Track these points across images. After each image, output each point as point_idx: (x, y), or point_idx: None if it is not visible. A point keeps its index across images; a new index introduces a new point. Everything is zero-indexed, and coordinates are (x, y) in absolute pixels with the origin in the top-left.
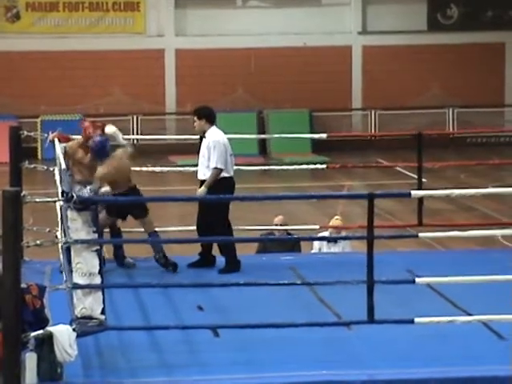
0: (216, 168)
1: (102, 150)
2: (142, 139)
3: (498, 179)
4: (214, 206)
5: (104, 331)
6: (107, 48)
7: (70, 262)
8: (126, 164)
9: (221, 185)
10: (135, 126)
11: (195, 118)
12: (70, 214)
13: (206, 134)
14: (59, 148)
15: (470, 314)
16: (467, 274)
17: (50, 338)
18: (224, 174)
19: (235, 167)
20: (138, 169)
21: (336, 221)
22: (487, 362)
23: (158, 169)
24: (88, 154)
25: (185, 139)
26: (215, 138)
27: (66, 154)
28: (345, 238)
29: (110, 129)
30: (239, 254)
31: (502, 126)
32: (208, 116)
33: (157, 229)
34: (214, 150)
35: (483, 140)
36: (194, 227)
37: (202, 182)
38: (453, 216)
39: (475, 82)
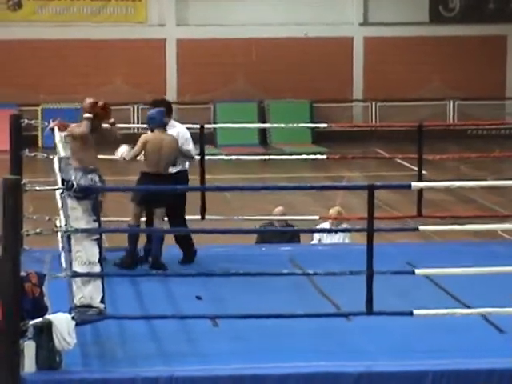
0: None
1: (153, 119)
2: (142, 128)
3: (497, 171)
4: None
5: (103, 320)
6: (108, 37)
7: (69, 250)
8: (163, 148)
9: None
10: (135, 115)
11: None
12: (70, 202)
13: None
14: (58, 136)
15: (469, 307)
16: (466, 266)
17: (48, 326)
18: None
19: (235, 157)
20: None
21: (336, 211)
22: (486, 355)
23: None
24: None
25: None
26: (184, 130)
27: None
28: (344, 231)
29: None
30: (240, 244)
31: (503, 118)
32: (170, 111)
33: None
34: (189, 141)
35: (484, 132)
36: (193, 216)
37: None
38: (452, 207)
39: (476, 75)
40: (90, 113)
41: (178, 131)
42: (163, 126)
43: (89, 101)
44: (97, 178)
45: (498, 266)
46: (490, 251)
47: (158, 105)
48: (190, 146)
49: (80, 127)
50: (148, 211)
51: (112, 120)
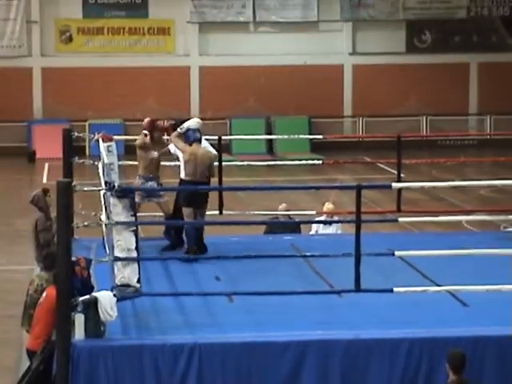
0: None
1: (190, 136)
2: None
3: (462, 174)
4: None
5: (139, 297)
6: (143, 65)
7: (111, 239)
8: (204, 159)
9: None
10: None
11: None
12: (112, 200)
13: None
14: (102, 146)
15: (439, 285)
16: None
17: (94, 302)
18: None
19: (247, 163)
20: (168, 164)
21: (329, 206)
22: (452, 325)
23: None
24: (153, 151)
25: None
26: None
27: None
28: (337, 222)
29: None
30: (251, 235)
31: (467, 130)
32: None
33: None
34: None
35: (451, 142)
36: (213, 212)
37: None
38: (426, 205)
39: (445, 95)
40: (146, 129)
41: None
42: (198, 141)
43: (147, 120)
44: (155, 185)
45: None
46: (457, 239)
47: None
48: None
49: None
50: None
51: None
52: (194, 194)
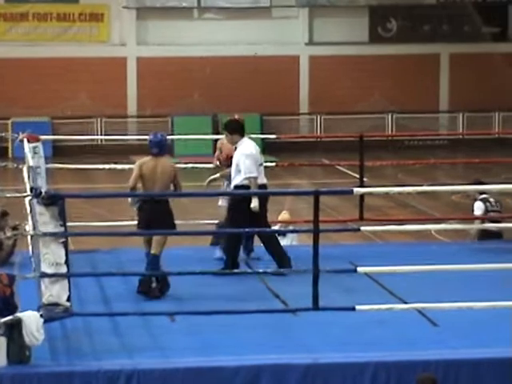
0: (250, 177)
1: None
2: (105, 139)
3: (432, 178)
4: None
5: (69, 317)
6: (74, 55)
7: (38, 252)
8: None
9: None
10: (99, 127)
11: (226, 133)
12: (39, 208)
13: (237, 146)
14: (28, 147)
15: (406, 302)
16: (404, 264)
17: (18, 323)
18: (239, 182)
19: (191, 165)
20: (101, 166)
21: (284, 215)
22: (421, 347)
23: (119, 166)
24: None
25: (145, 140)
26: (245, 150)
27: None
28: (292, 232)
29: None
30: (194, 246)
31: (437, 130)
32: (238, 130)
33: (119, 222)
34: (244, 161)
35: (419, 143)
36: None
37: (235, 187)
38: (391, 212)
39: (412, 90)
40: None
41: (239, 153)
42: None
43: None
44: None
45: (432, 265)
46: (425, 251)
47: (229, 127)
48: (241, 166)
49: None
50: None
51: None
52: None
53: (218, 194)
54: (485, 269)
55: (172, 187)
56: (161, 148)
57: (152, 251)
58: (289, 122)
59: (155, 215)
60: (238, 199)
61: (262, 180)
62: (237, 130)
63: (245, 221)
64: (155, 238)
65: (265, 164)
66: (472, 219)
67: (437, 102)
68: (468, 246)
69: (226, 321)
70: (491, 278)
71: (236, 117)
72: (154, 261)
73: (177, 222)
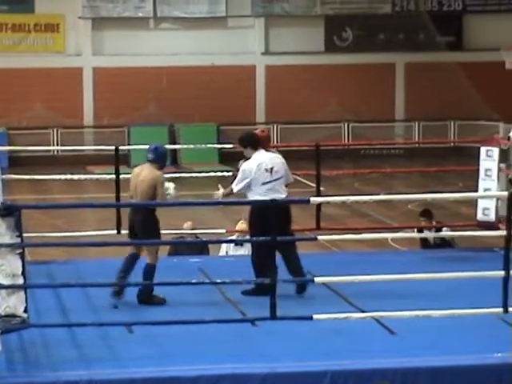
0: (232, 189)
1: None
2: (61, 150)
3: (388, 187)
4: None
5: (27, 328)
6: (29, 66)
7: None
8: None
9: (258, 208)
10: (55, 138)
11: (242, 147)
12: None
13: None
14: None
15: (363, 311)
16: (361, 274)
17: None
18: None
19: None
20: (57, 177)
21: (241, 225)
22: (379, 356)
23: (76, 177)
24: None
25: (101, 150)
26: (246, 164)
27: None
28: (250, 241)
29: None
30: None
31: (393, 139)
32: (250, 144)
33: (76, 233)
34: (239, 174)
35: (375, 152)
36: (109, 231)
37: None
38: (348, 221)
39: (368, 99)
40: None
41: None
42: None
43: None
44: None
45: (389, 274)
46: (382, 259)
47: (242, 142)
48: (236, 181)
49: None
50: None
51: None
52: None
53: (178, 204)
54: (441, 278)
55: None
56: (154, 155)
57: (147, 261)
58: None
59: (134, 224)
60: (253, 217)
61: (277, 194)
62: (249, 143)
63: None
64: (145, 248)
65: (221, 174)
66: (427, 227)
67: (393, 110)
68: (424, 254)
69: (185, 330)
70: (448, 287)
71: (258, 131)
72: (147, 270)
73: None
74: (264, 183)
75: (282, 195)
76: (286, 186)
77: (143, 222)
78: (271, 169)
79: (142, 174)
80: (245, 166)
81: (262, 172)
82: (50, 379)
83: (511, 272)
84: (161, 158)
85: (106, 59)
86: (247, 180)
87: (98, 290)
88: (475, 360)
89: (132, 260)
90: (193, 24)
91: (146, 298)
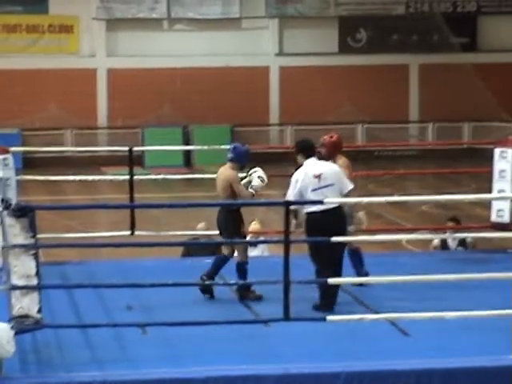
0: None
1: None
2: (75, 151)
3: (402, 188)
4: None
5: (40, 329)
6: (43, 67)
7: (8, 265)
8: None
9: (308, 222)
10: (69, 139)
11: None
12: (9, 220)
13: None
14: None
15: (377, 313)
16: (375, 275)
17: None
18: (307, 209)
19: (162, 176)
20: (71, 178)
21: (255, 226)
22: (393, 357)
23: (90, 178)
24: None
25: (115, 151)
26: (296, 173)
27: None
28: (263, 242)
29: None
30: (166, 257)
31: (407, 140)
32: (302, 150)
33: (90, 234)
34: (290, 184)
35: (389, 153)
36: (123, 232)
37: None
38: None
39: (382, 100)
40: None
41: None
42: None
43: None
44: None
45: (403, 275)
46: (397, 261)
47: (296, 147)
48: (289, 191)
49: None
50: None
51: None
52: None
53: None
54: (456, 279)
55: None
56: (232, 154)
57: (237, 260)
58: (259, 132)
59: (218, 223)
60: (309, 229)
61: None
62: (300, 150)
63: (324, 249)
64: (235, 247)
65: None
66: (441, 229)
67: (407, 112)
68: (439, 256)
69: (198, 332)
70: (462, 288)
71: (326, 136)
72: (238, 268)
73: (148, 233)
74: (313, 190)
75: (330, 205)
76: (347, 196)
77: (224, 221)
78: (319, 175)
79: (220, 173)
80: (294, 176)
81: (311, 178)
82: (64, 380)
83: None
84: (239, 157)
85: (120, 60)
86: (297, 188)
87: (112, 290)
88: (488, 362)
89: (221, 261)
90: (207, 25)
91: (245, 293)
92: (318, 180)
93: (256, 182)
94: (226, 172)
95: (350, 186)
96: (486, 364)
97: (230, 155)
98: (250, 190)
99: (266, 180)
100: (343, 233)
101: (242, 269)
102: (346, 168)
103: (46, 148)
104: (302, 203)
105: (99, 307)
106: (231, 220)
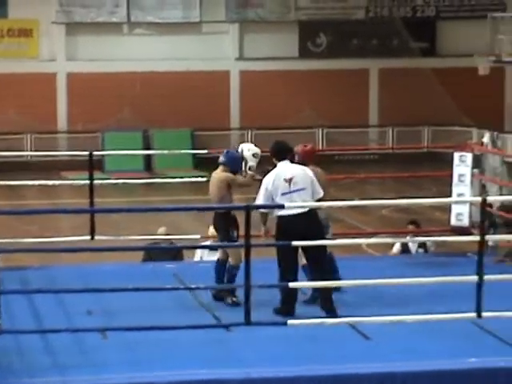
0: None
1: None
2: (35, 156)
3: (363, 192)
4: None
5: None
6: (2, 71)
7: None
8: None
9: (278, 225)
10: (29, 143)
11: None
12: None
13: None
14: None
15: (338, 317)
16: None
17: None
18: (278, 213)
19: (122, 181)
20: (31, 183)
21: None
22: (354, 361)
23: (50, 182)
24: None
25: (75, 155)
26: (267, 176)
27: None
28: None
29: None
30: (127, 262)
31: (367, 144)
32: (275, 153)
33: (50, 239)
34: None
35: (350, 157)
36: (83, 237)
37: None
38: None
39: (342, 105)
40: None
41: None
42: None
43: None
44: None
45: (363, 279)
46: (356, 265)
47: (270, 150)
48: (259, 194)
49: None
50: None
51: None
52: None
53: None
54: (416, 283)
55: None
56: (224, 158)
57: (230, 262)
58: (220, 137)
59: (214, 227)
60: (279, 233)
61: (292, 210)
62: (274, 153)
63: (290, 253)
64: (228, 250)
65: (195, 179)
66: (401, 233)
67: (367, 116)
68: (399, 260)
69: (159, 337)
70: (422, 292)
71: (300, 145)
72: (229, 270)
73: (108, 237)
74: (283, 194)
75: (300, 208)
76: (319, 201)
77: (217, 224)
78: (290, 179)
79: (213, 176)
80: (265, 178)
81: (281, 182)
82: None
83: (485, 277)
84: (231, 162)
85: (79, 64)
86: (267, 192)
87: (72, 295)
88: (449, 365)
89: (219, 266)
90: (167, 29)
91: (224, 295)
92: (289, 184)
93: (252, 162)
94: (218, 174)
95: (321, 193)
96: (448, 367)
97: (221, 159)
98: (249, 173)
99: (259, 153)
100: (317, 237)
101: (231, 272)
102: (321, 176)
103: (5, 153)
104: (261, 207)
105: (59, 312)
106: (223, 223)
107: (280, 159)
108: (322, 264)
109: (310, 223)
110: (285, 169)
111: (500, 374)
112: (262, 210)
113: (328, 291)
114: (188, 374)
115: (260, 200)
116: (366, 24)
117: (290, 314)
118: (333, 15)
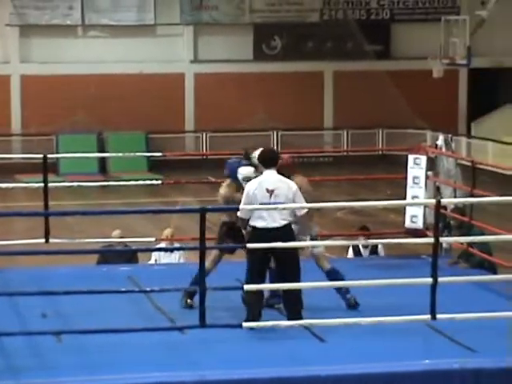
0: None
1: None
2: None
3: (317, 195)
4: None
5: None
6: None
7: None
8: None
9: (251, 235)
10: None
11: None
12: None
13: None
14: None
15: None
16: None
17: None
18: (252, 223)
19: (76, 184)
20: None
21: (169, 232)
22: (309, 363)
23: (3, 185)
24: None
25: (29, 158)
26: (250, 183)
27: None
28: (179, 249)
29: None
30: (82, 265)
31: (322, 147)
32: (262, 161)
33: (4, 242)
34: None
35: (304, 160)
36: (38, 240)
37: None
38: None
39: (297, 108)
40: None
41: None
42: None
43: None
44: None
45: (317, 281)
46: (311, 267)
47: (259, 154)
48: (242, 201)
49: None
50: None
51: None
52: None
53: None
54: (371, 285)
55: None
56: (228, 171)
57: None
58: (174, 139)
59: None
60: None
61: (258, 222)
62: (260, 161)
63: (260, 263)
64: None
65: (150, 182)
66: (356, 235)
67: (321, 119)
68: (353, 262)
69: (113, 340)
70: (377, 294)
71: (285, 156)
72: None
73: (63, 240)
74: (262, 204)
75: (277, 223)
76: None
77: (219, 231)
78: (272, 191)
79: (219, 192)
80: (247, 185)
81: (263, 191)
82: None
83: (439, 279)
84: (233, 172)
85: (34, 67)
86: (248, 198)
87: (27, 298)
88: (404, 367)
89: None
90: (121, 32)
91: (185, 298)
92: (270, 195)
93: (251, 174)
94: (220, 190)
95: (304, 211)
96: (402, 369)
97: (225, 172)
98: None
99: (251, 176)
100: (289, 253)
101: (197, 276)
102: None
103: None
104: (217, 210)
105: (13, 315)
106: (221, 231)
107: (266, 167)
108: (294, 277)
109: (282, 238)
110: (269, 178)
111: (454, 376)
112: (241, 216)
113: (296, 301)
114: (142, 376)
115: (241, 207)
116: (320, 27)
117: (256, 318)
118: (287, 18)
